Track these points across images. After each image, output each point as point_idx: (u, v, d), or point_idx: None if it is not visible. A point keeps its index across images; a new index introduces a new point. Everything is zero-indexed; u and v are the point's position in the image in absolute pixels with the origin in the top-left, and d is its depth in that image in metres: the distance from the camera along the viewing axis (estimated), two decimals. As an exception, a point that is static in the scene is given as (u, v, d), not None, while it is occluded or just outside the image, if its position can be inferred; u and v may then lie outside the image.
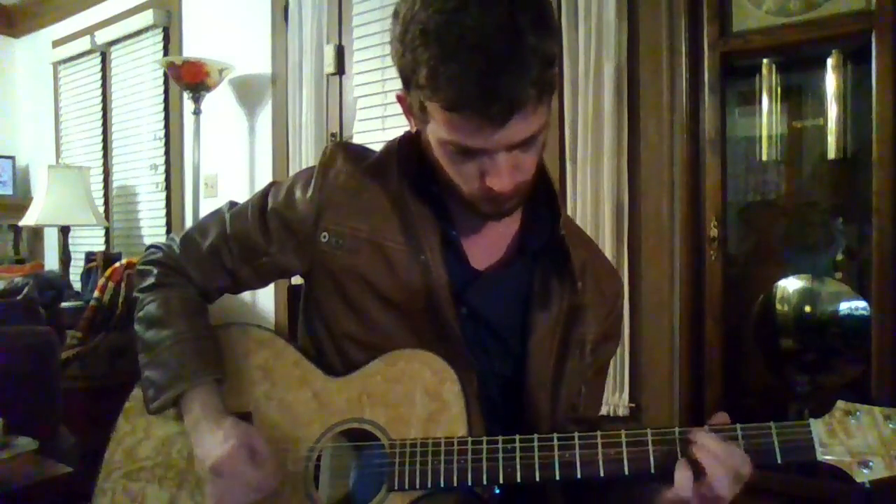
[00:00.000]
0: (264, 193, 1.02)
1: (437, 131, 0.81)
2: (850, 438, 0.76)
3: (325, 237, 0.95)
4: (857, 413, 0.77)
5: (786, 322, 1.75)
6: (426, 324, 0.92)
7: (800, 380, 1.70)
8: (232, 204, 1.05)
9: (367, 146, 1.03)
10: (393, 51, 0.82)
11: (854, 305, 1.65)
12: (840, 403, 0.78)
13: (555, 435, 0.82)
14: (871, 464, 0.74)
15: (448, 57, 0.74)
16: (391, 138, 0.99)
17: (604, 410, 1.95)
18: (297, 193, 0.97)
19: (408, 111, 0.88)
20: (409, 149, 0.95)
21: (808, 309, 1.72)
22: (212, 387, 0.93)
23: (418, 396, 0.87)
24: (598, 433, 0.81)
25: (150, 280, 1.02)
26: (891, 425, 0.75)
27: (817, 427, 0.77)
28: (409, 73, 0.79)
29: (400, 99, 0.89)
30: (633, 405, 1.94)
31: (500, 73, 0.73)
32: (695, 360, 1.78)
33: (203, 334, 0.97)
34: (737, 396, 1.76)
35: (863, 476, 0.74)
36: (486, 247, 0.96)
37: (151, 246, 1.07)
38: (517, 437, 0.82)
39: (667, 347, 1.90)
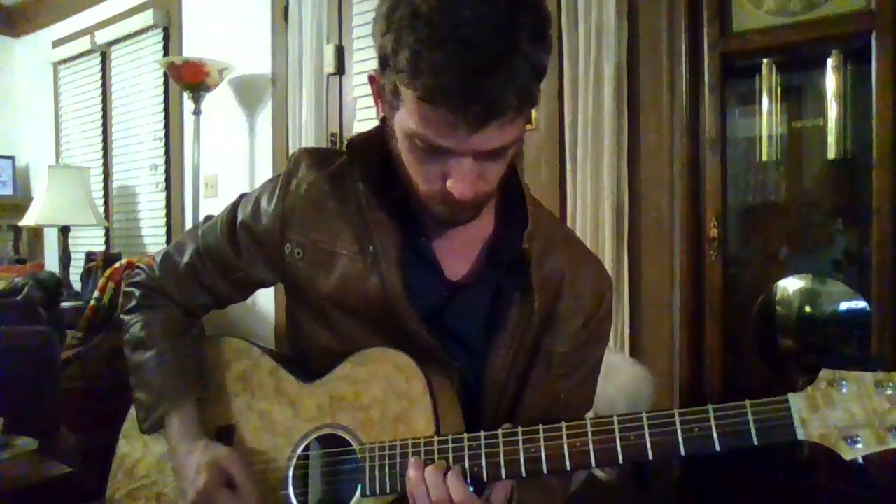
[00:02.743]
0: (234, 206, 1.00)
1: (406, 121, 0.76)
2: (835, 411, 0.67)
3: (288, 249, 0.93)
4: (843, 382, 0.68)
5: (786, 322, 1.75)
6: (393, 332, 0.88)
7: (800, 380, 1.70)
8: (207, 219, 1.04)
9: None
10: (375, 27, 0.76)
11: (854, 305, 1.65)
12: (824, 372, 0.69)
13: (519, 429, 0.77)
14: (859, 438, 0.66)
15: (435, 44, 0.68)
16: None
17: (604, 410, 1.95)
18: (263, 204, 0.95)
19: (378, 94, 0.83)
20: (365, 150, 0.90)
21: (808, 309, 1.72)
22: (190, 407, 0.94)
23: (385, 396, 0.84)
24: (563, 424, 0.76)
25: (133, 302, 1.03)
26: (887, 391, 0.66)
27: (797, 401, 0.69)
28: (389, 54, 0.73)
29: (371, 80, 0.83)
30: (633, 405, 1.94)
31: (486, 72, 0.68)
32: (695, 360, 1.78)
33: (184, 353, 0.98)
34: (737, 396, 1.75)
35: (851, 453, 0.66)
36: (458, 254, 0.92)
37: (136, 267, 1.08)
38: (482, 433, 0.78)
39: (667, 347, 1.90)
